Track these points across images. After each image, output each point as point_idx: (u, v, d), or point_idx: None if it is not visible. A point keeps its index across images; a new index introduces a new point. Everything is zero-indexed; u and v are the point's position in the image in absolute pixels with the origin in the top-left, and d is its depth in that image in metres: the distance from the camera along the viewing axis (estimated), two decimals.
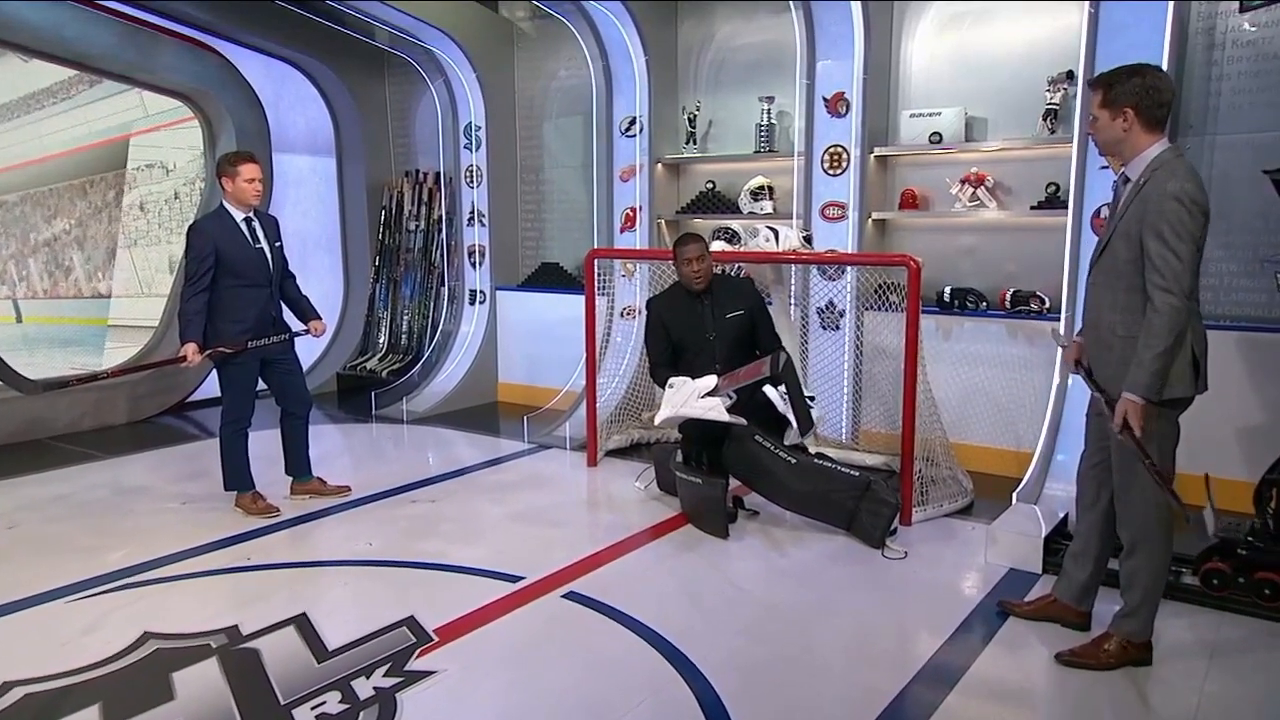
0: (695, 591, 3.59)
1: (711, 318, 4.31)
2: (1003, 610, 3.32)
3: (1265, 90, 4.31)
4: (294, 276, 4.65)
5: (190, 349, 4.22)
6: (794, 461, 4.07)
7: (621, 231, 6.25)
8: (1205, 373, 2.74)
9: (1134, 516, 2.83)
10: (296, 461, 4.70)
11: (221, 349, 4.27)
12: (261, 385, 4.52)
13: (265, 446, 4.72)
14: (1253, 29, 4.32)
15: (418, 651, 3.04)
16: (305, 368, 7.56)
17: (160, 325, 7.15)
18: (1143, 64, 2.75)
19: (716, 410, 3.97)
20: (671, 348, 4.41)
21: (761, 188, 5.86)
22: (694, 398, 4.02)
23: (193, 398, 7.04)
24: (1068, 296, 4.41)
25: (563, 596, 3.50)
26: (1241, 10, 4.27)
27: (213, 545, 4.08)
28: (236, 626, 3.24)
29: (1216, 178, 4.37)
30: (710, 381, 4.04)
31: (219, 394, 4.48)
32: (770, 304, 4.73)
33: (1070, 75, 4.76)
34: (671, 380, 4.16)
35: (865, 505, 4.00)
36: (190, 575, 3.76)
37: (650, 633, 3.19)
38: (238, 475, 4.49)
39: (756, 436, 4.09)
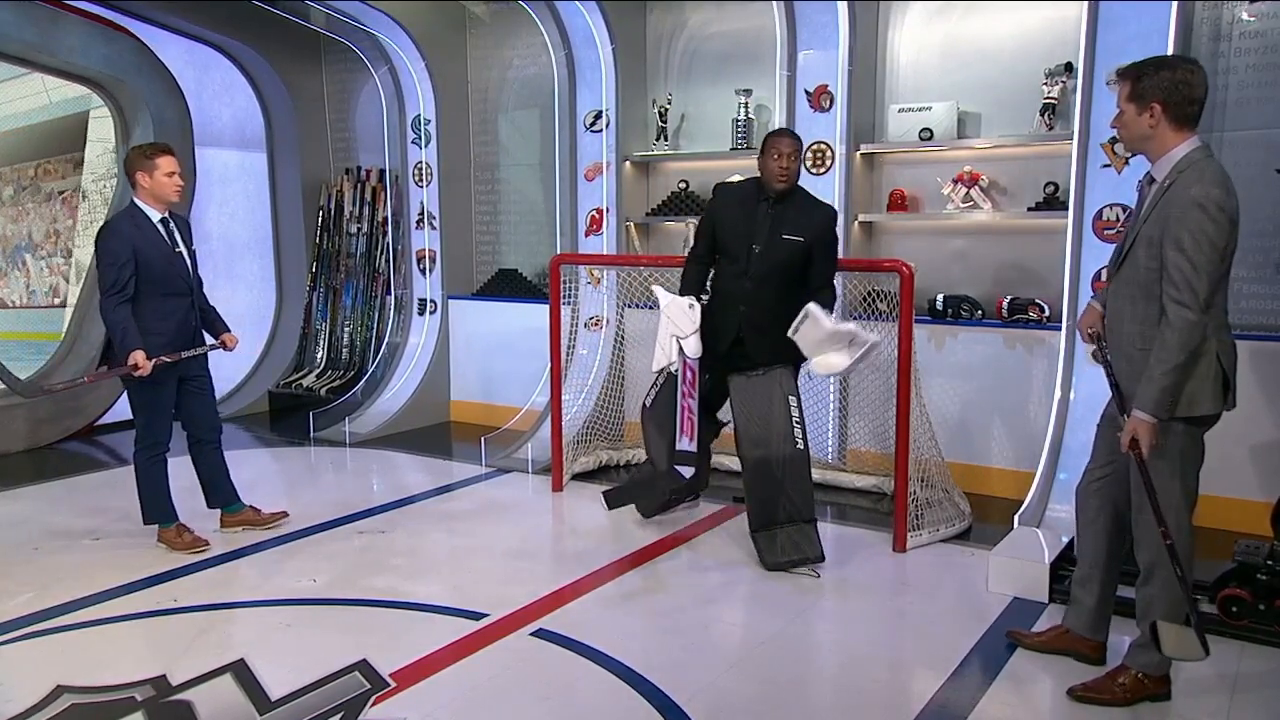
0: (676, 626, 3.58)
1: (767, 229, 4.05)
2: (1011, 642, 3.36)
3: (1274, 84, 4.46)
4: (202, 284, 4.58)
5: (139, 356, 4.09)
6: (799, 446, 4.07)
7: (586, 235, 6.25)
8: (1234, 389, 2.79)
9: (1152, 540, 2.88)
10: (220, 491, 4.61)
11: (164, 358, 4.18)
12: None
13: (188, 474, 4.62)
14: (1252, 19, 4.47)
15: (373, 699, 3.00)
16: (234, 384, 7.50)
17: (66, 339, 6.99)
18: (1175, 56, 2.80)
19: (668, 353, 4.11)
20: (713, 245, 4.24)
21: None
22: (669, 338, 4.11)
23: (102, 420, 6.86)
24: (1069, 305, 4.50)
25: (531, 634, 3.48)
26: (1252, 0, 4.43)
27: (133, 586, 3.97)
28: (164, 676, 3.16)
29: None
30: (689, 326, 4.08)
31: (131, 417, 4.37)
32: None
33: (1069, 68, 4.88)
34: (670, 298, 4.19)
35: (793, 532, 4.06)
36: (108, 620, 3.65)
37: (629, 672, 3.18)
38: (159, 506, 4.39)
39: (790, 398, 4.11)
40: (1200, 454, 2.85)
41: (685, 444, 4.15)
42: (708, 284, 4.31)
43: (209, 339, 4.54)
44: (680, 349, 4.12)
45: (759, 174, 4.13)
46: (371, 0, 6.21)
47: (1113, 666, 3.05)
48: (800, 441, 4.09)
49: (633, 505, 4.68)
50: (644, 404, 4.42)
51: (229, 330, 4.58)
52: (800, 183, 5.30)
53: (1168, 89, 2.69)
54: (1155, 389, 2.64)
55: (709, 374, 4.24)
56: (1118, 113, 2.82)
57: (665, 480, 4.28)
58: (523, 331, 6.60)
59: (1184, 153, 2.71)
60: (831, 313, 4.00)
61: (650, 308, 4.49)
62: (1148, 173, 2.85)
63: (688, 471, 4.22)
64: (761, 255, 4.06)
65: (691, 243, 4.46)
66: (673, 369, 4.16)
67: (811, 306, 3.94)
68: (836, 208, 5.27)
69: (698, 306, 4.15)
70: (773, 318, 4.04)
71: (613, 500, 4.48)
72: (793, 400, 4.11)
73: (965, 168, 5.24)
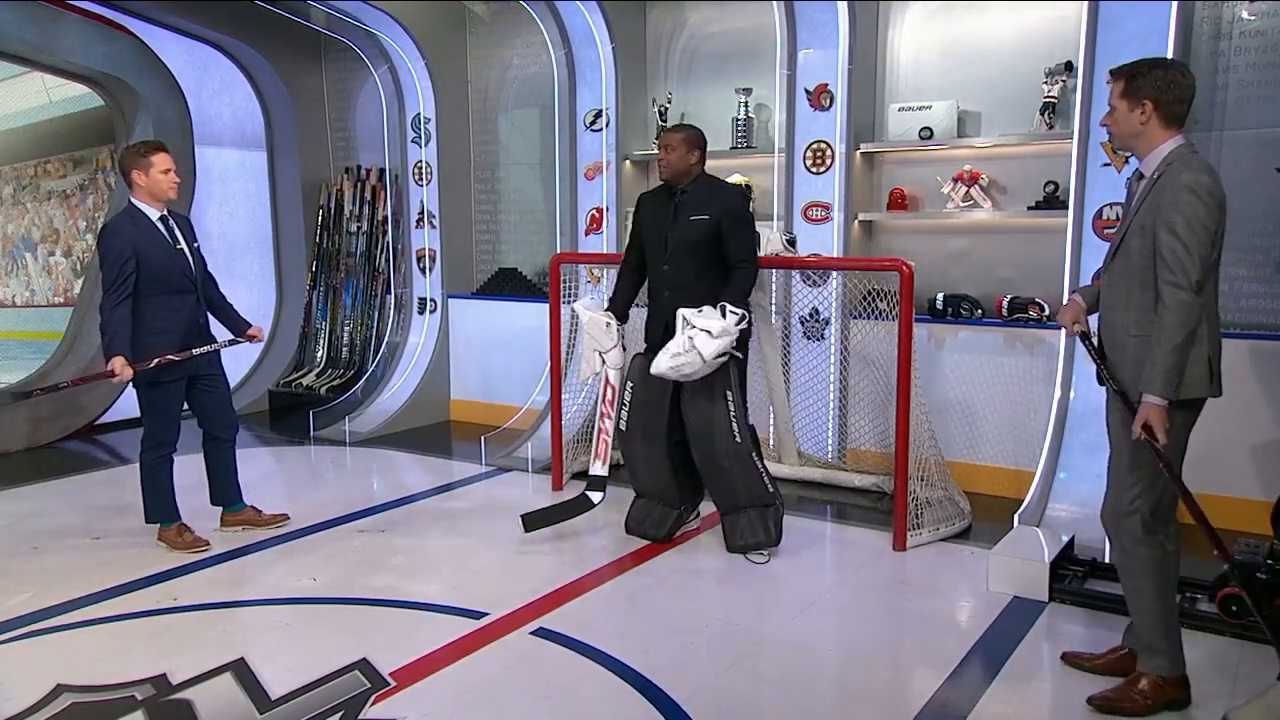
0: (677, 625, 3.58)
1: (673, 216, 4.25)
2: (1070, 664, 3.21)
3: (1274, 84, 4.45)
4: (214, 279, 4.57)
5: (117, 363, 4.09)
6: (738, 440, 4.18)
7: (587, 234, 6.25)
8: (1219, 375, 2.82)
9: (1113, 504, 2.90)
10: (225, 489, 4.62)
11: (169, 356, 4.17)
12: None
13: (190, 473, 4.62)
14: (1252, 19, 4.47)
15: (373, 698, 3.00)
16: (234, 383, 7.46)
17: (66, 339, 6.99)
18: (1167, 57, 2.85)
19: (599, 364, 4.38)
20: (642, 254, 4.44)
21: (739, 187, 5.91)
22: (591, 352, 4.37)
23: (103, 419, 6.86)
24: None
25: (531, 633, 3.48)
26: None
27: (133, 585, 3.97)
28: (165, 675, 3.16)
29: (1223, 176, 4.48)
30: (609, 341, 4.35)
31: (133, 416, 4.36)
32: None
33: (1069, 67, 4.88)
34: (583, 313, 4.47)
35: (754, 516, 4.21)
36: (108, 619, 3.65)
37: (630, 671, 3.18)
38: (161, 505, 4.39)
39: (728, 393, 4.19)
40: (1184, 441, 2.85)
41: (597, 468, 4.38)
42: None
43: (227, 335, 4.54)
44: (603, 360, 4.37)
45: None
46: (371, 0, 6.21)
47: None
48: (738, 436, 4.19)
49: (647, 529, 4.52)
50: (618, 428, 4.49)
51: (249, 324, 4.60)
52: (800, 182, 5.39)
53: (1160, 87, 2.76)
54: (1160, 371, 2.68)
55: (669, 384, 4.30)
56: (1109, 110, 2.89)
57: (577, 504, 4.45)
58: (523, 331, 6.60)
59: (1171, 148, 2.79)
60: (747, 290, 4.21)
61: (639, 306, 4.61)
62: (1136, 169, 2.92)
63: (597, 496, 4.43)
64: (674, 239, 4.25)
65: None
66: (595, 378, 4.37)
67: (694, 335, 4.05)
68: (835, 207, 5.32)
69: (614, 324, 4.42)
70: (694, 299, 4.17)
71: (529, 524, 4.44)
72: (730, 395, 4.19)
73: (965, 167, 5.24)
